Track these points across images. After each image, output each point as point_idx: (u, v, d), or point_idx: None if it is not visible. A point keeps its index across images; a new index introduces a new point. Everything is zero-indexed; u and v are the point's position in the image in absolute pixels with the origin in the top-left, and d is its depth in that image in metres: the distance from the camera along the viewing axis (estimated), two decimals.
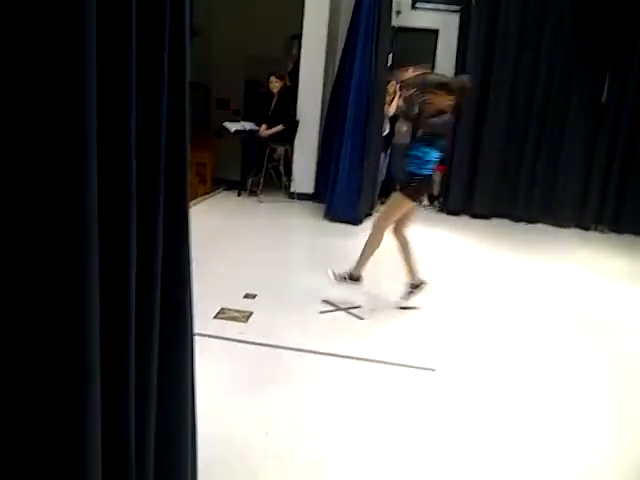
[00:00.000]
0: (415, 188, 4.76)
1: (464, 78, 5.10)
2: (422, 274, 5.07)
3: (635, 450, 3.34)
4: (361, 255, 5.09)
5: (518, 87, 8.39)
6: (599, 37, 8.06)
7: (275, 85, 8.39)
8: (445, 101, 4.54)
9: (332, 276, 5.07)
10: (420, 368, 4.00)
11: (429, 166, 4.68)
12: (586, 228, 8.55)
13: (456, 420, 3.43)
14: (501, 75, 8.37)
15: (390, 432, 3.26)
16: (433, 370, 4.00)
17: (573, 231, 8.50)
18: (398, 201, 4.85)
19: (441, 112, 4.54)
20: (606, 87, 8.30)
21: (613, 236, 8.45)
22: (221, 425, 3.13)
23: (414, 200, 4.83)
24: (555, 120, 8.32)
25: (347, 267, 5.13)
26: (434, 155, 4.65)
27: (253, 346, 4.08)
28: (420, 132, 4.82)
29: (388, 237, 5.09)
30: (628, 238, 8.35)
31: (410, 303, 5.00)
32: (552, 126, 8.34)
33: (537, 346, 4.59)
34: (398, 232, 4.99)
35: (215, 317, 4.45)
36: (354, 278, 5.08)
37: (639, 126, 8.18)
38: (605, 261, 7.09)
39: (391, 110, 8.33)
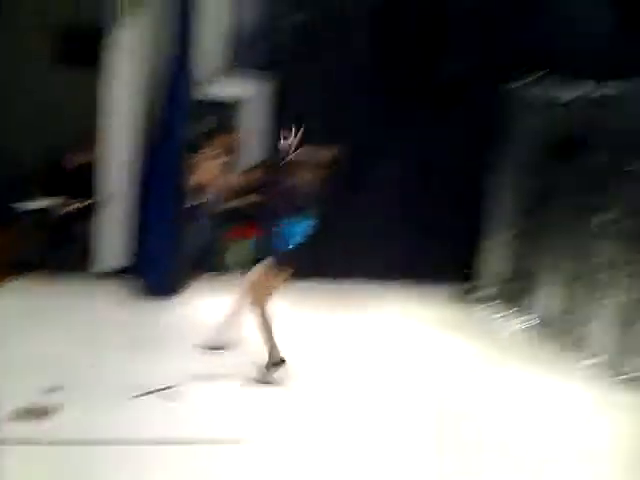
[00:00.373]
0: (287, 258, 4.77)
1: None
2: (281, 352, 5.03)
3: None
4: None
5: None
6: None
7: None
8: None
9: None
10: (228, 443, 4.00)
11: (297, 236, 4.73)
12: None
13: None
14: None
15: None
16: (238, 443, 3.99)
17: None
18: (268, 273, 4.85)
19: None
20: None
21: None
22: None
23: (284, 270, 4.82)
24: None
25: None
26: (304, 224, 4.74)
27: (63, 446, 3.79)
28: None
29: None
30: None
31: (267, 379, 4.94)
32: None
33: (348, 407, 4.76)
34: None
35: (12, 419, 4.06)
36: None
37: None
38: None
39: (205, 179, 8.34)
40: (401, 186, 8.73)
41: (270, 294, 4.91)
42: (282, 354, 4.96)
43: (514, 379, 5.54)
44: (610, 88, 6.22)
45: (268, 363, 4.92)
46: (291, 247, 4.75)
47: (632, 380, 5.45)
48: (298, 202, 4.73)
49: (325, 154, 4.71)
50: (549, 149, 7.01)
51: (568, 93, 6.82)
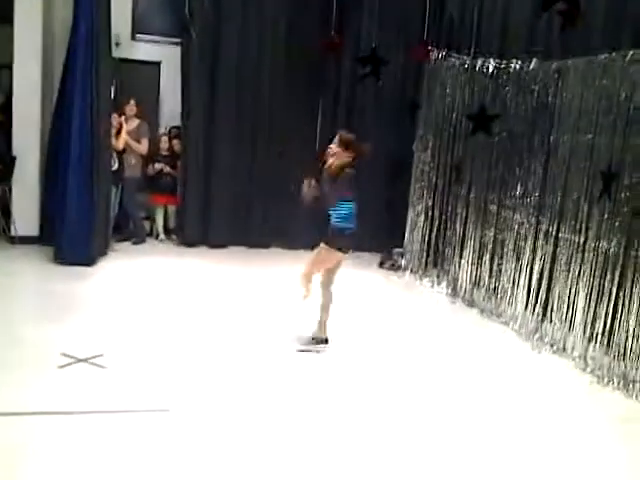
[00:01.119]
0: (341, 240, 4.98)
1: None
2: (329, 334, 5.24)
3: None
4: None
5: (243, 115, 8.73)
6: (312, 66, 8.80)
7: None
8: (344, 157, 4.95)
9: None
10: (155, 410, 3.99)
11: (352, 219, 5.04)
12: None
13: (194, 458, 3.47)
14: (226, 104, 8.63)
15: None
16: (167, 410, 3.99)
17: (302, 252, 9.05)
18: (322, 254, 5.02)
19: (342, 168, 4.92)
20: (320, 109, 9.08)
21: None
22: None
23: (342, 251, 5.01)
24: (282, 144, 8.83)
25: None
26: (353, 208, 5.03)
27: None
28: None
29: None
30: None
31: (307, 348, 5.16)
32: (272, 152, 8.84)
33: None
34: (325, 287, 5.18)
35: None
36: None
37: None
38: None
39: (120, 145, 8.10)
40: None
41: (319, 271, 5.14)
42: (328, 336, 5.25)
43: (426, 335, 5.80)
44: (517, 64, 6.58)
45: (315, 336, 5.21)
46: (342, 230, 5.02)
47: (544, 345, 5.84)
48: (342, 192, 5.02)
49: (360, 149, 5.06)
50: (467, 120, 7.26)
51: (485, 66, 7.08)
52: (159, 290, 6.54)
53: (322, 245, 5.05)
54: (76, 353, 4.62)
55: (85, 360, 4.55)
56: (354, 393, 4.53)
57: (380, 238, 8.97)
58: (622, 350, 5.09)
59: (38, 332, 5.02)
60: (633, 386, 4.92)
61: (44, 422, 3.69)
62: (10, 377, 4.18)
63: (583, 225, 5.61)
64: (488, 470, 3.65)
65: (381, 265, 8.63)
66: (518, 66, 6.62)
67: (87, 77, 6.99)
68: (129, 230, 8.63)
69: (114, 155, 8.04)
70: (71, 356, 4.58)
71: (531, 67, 6.42)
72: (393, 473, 3.52)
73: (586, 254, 5.53)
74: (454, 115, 7.63)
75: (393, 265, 8.54)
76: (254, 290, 6.83)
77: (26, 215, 7.77)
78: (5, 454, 3.31)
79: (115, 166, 8.15)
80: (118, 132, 8.15)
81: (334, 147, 5.05)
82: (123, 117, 8.28)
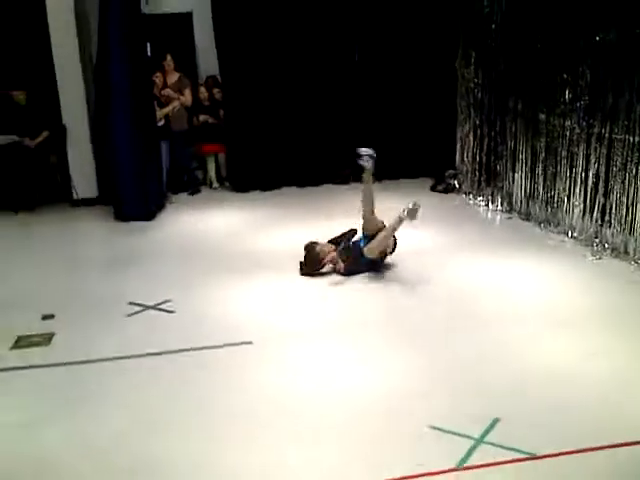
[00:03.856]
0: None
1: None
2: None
3: None
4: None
5: (282, 57, 8.65)
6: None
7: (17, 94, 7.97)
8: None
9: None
10: (239, 344, 4.14)
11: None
12: None
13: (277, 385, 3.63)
14: (262, 47, 8.55)
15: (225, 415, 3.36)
16: (251, 343, 4.15)
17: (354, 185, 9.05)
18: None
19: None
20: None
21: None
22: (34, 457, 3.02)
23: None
24: (316, 91, 8.76)
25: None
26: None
27: (61, 367, 3.92)
28: None
29: None
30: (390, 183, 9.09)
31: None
32: (315, 96, 8.77)
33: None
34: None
35: (12, 348, 4.17)
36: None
37: (391, 91, 8.92)
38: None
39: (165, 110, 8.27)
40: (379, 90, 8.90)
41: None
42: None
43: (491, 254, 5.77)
44: None
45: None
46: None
47: (605, 251, 5.73)
48: None
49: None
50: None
51: None
52: (217, 236, 6.72)
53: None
54: (144, 301, 4.87)
55: (153, 307, 4.80)
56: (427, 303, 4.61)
57: (431, 162, 8.89)
58: None
59: (105, 284, 5.32)
60: None
61: (123, 365, 3.93)
62: (83, 327, 4.47)
63: (637, 124, 5.39)
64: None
65: (433, 188, 8.53)
66: None
67: (121, 38, 7.09)
68: (184, 182, 8.84)
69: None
70: (139, 304, 4.83)
71: None
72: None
73: None
74: (494, 27, 7.34)
75: (446, 187, 8.44)
76: (312, 225, 6.85)
77: (84, 179, 8.09)
78: (89, 400, 3.57)
79: (162, 122, 8.32)
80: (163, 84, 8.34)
81: None
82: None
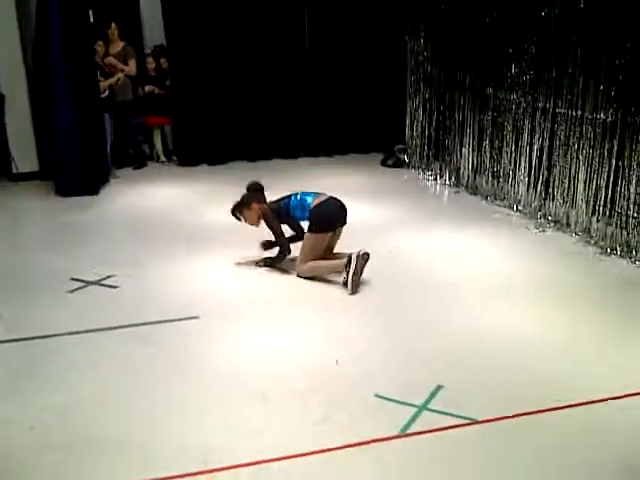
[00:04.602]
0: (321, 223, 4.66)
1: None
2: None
3: None
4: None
5: (230, 25, 8.46)
6: None
7: None
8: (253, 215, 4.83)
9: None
10: (185, 319, 4.08)
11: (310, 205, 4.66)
12: (315, 155, 9.12)
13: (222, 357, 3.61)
14: (211, 16, 8.33)
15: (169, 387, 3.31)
16: (197, 317, 4.10)
17: (305, 159, 9.04)
18: (311, 240, 4.68)
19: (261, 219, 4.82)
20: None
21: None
22: None
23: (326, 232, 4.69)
24: (267, 66, 8.62)
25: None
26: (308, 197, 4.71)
27: (2, 345, 3.79)
28: None
29: None
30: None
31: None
32: (266, 70, 8.62)
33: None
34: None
35: None
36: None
37: (340, 67, 8.86)
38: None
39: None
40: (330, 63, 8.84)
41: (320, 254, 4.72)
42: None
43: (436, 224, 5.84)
44: None
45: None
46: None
47: (548, 223, 5.86)
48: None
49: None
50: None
51: None
52: (163, 211, 6.60)
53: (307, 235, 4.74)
54: (87, 278, 4.75)
55: (96, 282, 4.69)
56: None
57: (381, 137, 8.91)
58: (624, 219, 5.10)
59: (46, 260, 5.16)
60: (636, 252, 4.96)
61: (65, 341, 3.82)
62: (24, 304, 4.34)
63: (579, 99, 5.50)
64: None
65: (383, 163, 8.58)
66: None
67: (61, 1, 6.81)
68: (129, 155, 8.62)
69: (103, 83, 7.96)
70: (81, 280, 4.71)
71: None
72: None
73: (584, 127, 5.45)
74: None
75: (396, 162, 8.49)
76: None
77: (24, 152, 7.78)
78: (32, 377, 3.47)
79: (106, 92, 8.06)
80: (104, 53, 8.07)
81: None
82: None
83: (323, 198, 4.76)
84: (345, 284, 4.49)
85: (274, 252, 4.97)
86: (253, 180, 4.97)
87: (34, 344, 3.81)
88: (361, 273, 4.47)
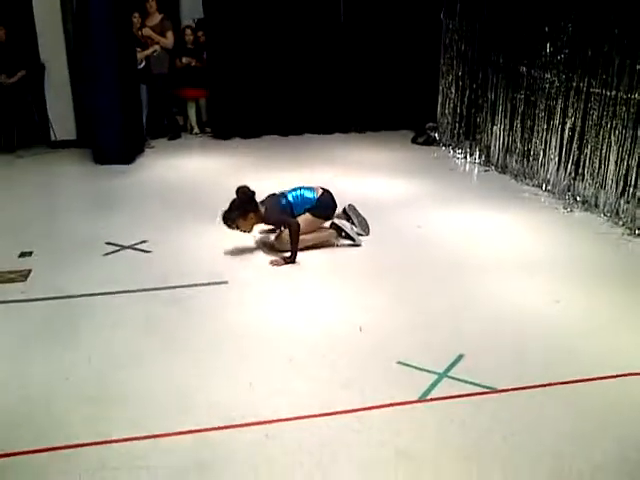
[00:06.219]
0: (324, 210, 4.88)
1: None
2: None
3: None
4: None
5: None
6: None
7: None
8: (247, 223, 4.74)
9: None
10: (215, 283, 4.22)
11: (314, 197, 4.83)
12: (346, 131, 9.16)
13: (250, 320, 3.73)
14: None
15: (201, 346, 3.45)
16: (227, 282, 4.23)
17: (336, 135, 9.08)
18: (309, 219, 4.79)
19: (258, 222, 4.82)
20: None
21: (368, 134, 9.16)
22: (20, 388, 3.10)
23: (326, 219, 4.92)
24: (301, 41, 8.63)
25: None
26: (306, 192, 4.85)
27: (40, 302, 3.97)
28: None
29: None
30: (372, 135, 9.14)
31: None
32: (301, 45, 8.64)
33: None
34: None
35: None
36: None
37: (374, 44, 8.82)
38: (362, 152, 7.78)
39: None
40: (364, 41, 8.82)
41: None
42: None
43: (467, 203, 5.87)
44: None
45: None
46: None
47: (577, 204, 5.85)
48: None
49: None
50: None
51: None
52: (195, 181, 6.74)
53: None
54: (121, 242, 4.91)
55: (130, 247, 4.85)
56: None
57: (413, 114, 8.90)
58: None
59: (83, 224, 5.34)
60: None
61: (99, 300, 3.99)
62: (60, 265, 4.52)
63: (614, 79, 5.45)
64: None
65: (414, 141, 8.58)
66: None
67: None
68: (164, 126, 8.76)
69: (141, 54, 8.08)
70: (116, 244, 4.88)
71: None
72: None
73: (618, 107, 5.41)
74: None
75: (427, 140, 8.49)
76: (293, 172, 6.84)
77: (62, 120, 7.99)
78: (66, 335, 3.65)
79: (142, 64, 8.19)
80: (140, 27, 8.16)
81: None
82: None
83: (321, 190, 4.93)
84: (350, 238, 4.85)
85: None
86: (243, 185, 4.73)
87: (68, 303, 3.98)
88: (361, 216, 4.90)
